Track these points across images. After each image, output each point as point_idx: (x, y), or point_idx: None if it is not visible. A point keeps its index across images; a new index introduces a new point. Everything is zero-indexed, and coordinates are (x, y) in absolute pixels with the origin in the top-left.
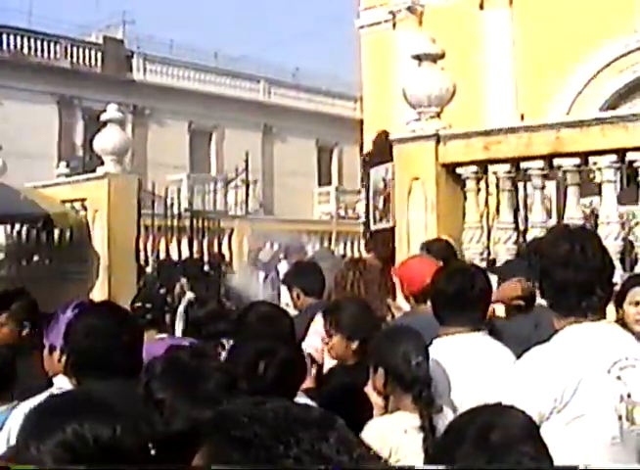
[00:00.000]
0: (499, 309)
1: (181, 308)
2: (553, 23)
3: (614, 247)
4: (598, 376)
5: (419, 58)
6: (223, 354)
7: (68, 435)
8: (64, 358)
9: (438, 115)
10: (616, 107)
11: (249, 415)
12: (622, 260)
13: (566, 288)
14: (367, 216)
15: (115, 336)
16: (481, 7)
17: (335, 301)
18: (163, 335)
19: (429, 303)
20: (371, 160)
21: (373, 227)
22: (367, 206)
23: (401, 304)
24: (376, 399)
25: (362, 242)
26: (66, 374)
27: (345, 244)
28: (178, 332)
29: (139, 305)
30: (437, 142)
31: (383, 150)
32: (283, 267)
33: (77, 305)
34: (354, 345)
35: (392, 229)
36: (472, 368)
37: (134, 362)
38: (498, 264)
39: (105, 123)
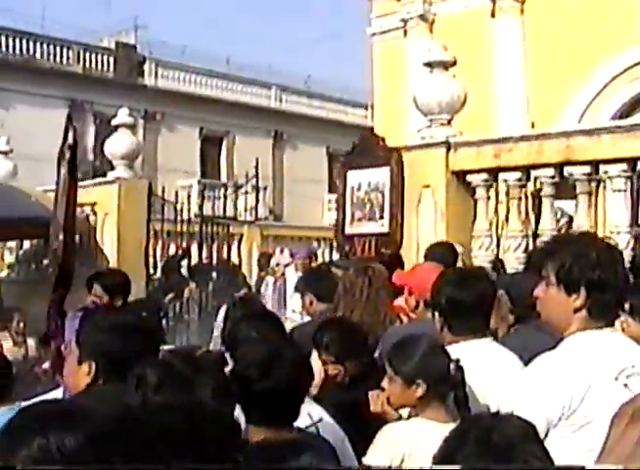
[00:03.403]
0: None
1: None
2: (564, 32)
3: (625, 257)
4: (605, 383)
5: (430, 65)
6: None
7: (33, 449)
8: (92, 365)
9: (449, 122)
10: (627, 116)
11: None
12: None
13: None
14: (341, 219)
15: (144, 338)
16: (493, 15)
17: (323, 322)
18: (170, 347)
19: None
20: (349, 162)
21: (349, 231)
22: (343, 207)
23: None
24: (390, 411)
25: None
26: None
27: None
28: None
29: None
30: (448, 149)
31: (366, 153)
32: (291, 274)
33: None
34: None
35: (386, 234)
36: (482, 375)
37: None
38: (507, 274)
39: (116, 128)
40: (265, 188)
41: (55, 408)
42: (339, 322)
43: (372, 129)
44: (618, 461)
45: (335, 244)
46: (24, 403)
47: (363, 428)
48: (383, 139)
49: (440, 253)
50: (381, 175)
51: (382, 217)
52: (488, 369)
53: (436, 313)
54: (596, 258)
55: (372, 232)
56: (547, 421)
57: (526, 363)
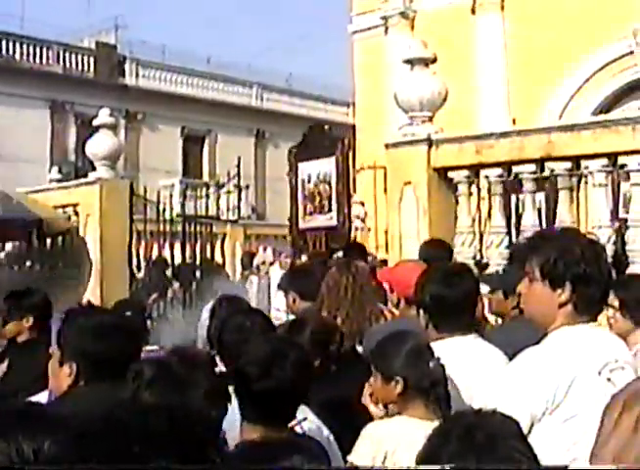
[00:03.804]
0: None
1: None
2: (545, 28)
3: (608, 251)
4: (589, 378)
5: (411, 62)
6: None
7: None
8: (73, 366)
9: (430, 119)
10: (608, 111)
11: None
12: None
13: None
14: (294, 213)
15: (126, 338)
16: (473, 12)
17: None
18: (154, 347)
19: None
20: (299, 153)
21: (302, 225)
22: (295, 202)
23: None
24: (374, 410)
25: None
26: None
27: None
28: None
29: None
30: (429, 146)
31: (314, 144)
32: (275, 272)
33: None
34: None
35: (334, 228)
36: (467, 371)
37: None
38: (489, 271)
39: (97, 128)
40: (247, 187)
41: (21, 413)
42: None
43: (320, 124)
44: (615, 451)
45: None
46: None
47: (350, 424)
48: (329, 129)
49: (434, 250)
50: (328, 166)
51: (330, 210)
52: (473, 366)
53: (421, 311)
54: (580, 252)
55: (322, 226)
56: (531, 416)
57: (511, 359)
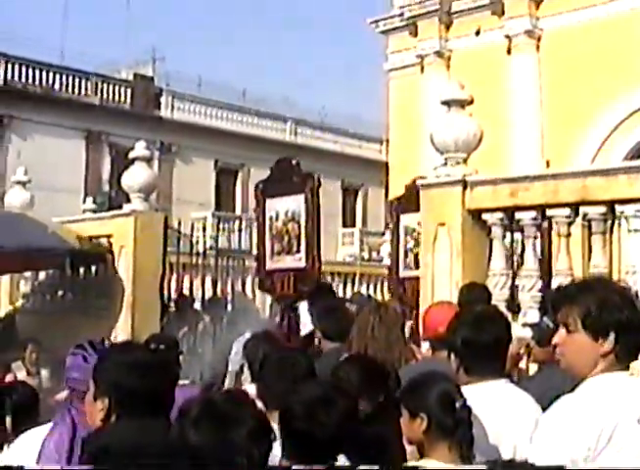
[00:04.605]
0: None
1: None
2: (579, 71)
3: None
4: (629, 425)
5: (447, 103)
6: None
7: None
8: (105, 401)
9: (465, 160)
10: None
11: None
12: None
13: None
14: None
15: (159, 374)
16: (509, 52)
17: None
18: (185, 381)
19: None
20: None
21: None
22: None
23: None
24: (409, 449)
25: (385, 286)
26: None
27: (369, 286)
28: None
29: (152, 346)
30: (464, 188)
31: (283, 179)
32: (303, 307)
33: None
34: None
35: (302, 269)
36: (497, 417)
37: (171, 402)
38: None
39: (133, 161)
40: None
41: None
42: (358, 358)
43: (289, 159)
44: None
45: (257, 279)
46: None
47: (386, 463)
48: (297, 164)
49: (475, 293)
50: (297, 204)
51: (298, 251)
52: (503, 411)
53: (452, 354)
54: (620, 300)
55: (290, 267)
56: (572, 462)
57: (548, 405)
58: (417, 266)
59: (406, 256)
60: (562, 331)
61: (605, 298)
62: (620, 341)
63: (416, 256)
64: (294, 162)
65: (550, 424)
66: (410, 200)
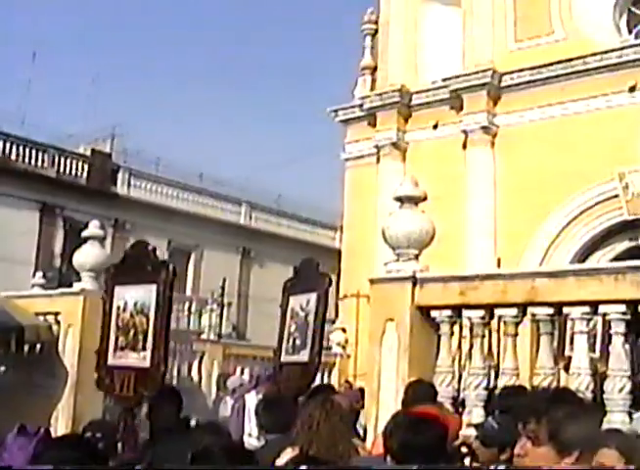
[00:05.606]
0: None
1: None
2: (534, 167)
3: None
4: None
5: (401, 200)
6: None
7: None
8: None
9: (417, 257)
10: (592, 253)
11: None
12: None
13: None
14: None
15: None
16: (464, 146)
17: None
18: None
19: None
20: (117, 274)
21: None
22: (107, 330)
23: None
24: None
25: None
26: None
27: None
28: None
29: (89, 434)
30: (414, 284)
31: (135, 265)
32: (251, 398)
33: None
34: None
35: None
36: None
37: None
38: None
39: (85, 239)
40: (230, 304)
41: None
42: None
43: (143, 242)
44: None
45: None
46: None
47: None
48: (153, 251)
49: (421, 390)
50: (147, 294)
51: (144, 348)
52: None
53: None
54: (587, 417)
55: (133, 366)
56: None
57: None
58: (295, 351)
59: (287, 341)
60: (527, 444)
61: (574, 414)
62: (582, 456)
63: (294, 340)
64: (149, 248)
65: None
66: (302, 281)
